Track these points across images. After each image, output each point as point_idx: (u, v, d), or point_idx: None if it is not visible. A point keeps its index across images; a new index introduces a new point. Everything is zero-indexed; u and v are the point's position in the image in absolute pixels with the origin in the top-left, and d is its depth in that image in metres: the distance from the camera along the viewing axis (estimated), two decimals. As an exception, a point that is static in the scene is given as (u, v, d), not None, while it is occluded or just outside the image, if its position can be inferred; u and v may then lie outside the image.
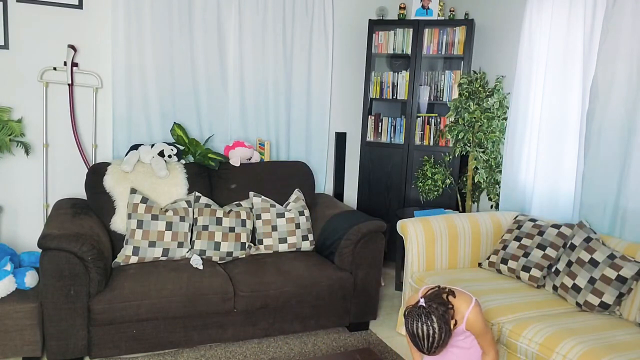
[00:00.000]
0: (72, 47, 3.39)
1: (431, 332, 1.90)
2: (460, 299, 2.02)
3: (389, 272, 4.27)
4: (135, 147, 3.42)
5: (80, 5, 3.42)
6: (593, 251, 2.68)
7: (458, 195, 4.07)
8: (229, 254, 3.14)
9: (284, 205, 3.49)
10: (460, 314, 2.01)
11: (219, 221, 3.17)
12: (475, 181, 3.88)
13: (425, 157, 4.10)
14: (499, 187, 3.74)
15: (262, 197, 3.42)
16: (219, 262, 3.12)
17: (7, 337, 2.57)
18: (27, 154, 3.37)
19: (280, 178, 3.61)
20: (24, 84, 3.35)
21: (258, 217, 3.34)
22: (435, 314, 1.91)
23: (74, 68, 3.43)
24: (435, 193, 4.00)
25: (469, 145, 3.83)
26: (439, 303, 1.95)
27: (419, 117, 4.18)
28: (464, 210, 4.05)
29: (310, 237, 3.41)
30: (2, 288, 2.59)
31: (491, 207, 3.94)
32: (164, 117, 3.68)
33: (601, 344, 2.22)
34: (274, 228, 3.33)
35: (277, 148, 4.08)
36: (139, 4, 3.50)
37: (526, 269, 2.93)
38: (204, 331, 2.84)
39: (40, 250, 2.57)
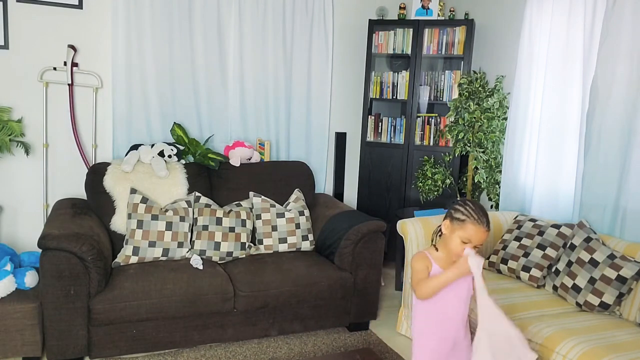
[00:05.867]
0: (72, 47, 3.39)
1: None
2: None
3: (389, 272, 4.27)
4: (135, 147, 3.42)
5: (80, 5, 3.42)
6: (593, 251, 2.67)
7: (458, 195, 4.07)
8: (229, 254, 3.14)
9: (284, 205, 3.49)
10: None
11: (219, 221, 3.17)
12: (475, 181, 3.88)
13: (425, 157, 4.10)
14: (499, 187, 3.74)
15: (262, 197, 3.42)
16: (219, 262, 3.12)
17: (7, 337, 2.57)
18: (27, 154, 3.37)
19: (280, 178, 3.61)
20: (24, 84, 3.35)
21: (258, 217, 3.34)
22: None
23: (74, 68, 3.43)
24: (435, 193, 4.00)
25: (469, 145, 3.83)
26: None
27: (419, 117, 4.18)
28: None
29: (310, 237, 3.41)
30: (2, 288, 2.59)
31: (491, 207, 3.94)
32: (164, 117, 3.67)
33: (601, 344, 2.22)
34: (274, 228, 3.33)
35: (277, 148, 4.08)
36: (139, 4, 3.50)
37: (526, 269, 2.93)
38: (204, 331, 2.84)
39: (40, 250, 2.56)
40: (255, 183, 3.52)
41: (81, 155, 3.50)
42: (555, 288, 2.80)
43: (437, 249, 2.02)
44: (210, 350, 2.91)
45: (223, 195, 3.44)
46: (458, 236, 1.88)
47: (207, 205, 3.23)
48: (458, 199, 1.93)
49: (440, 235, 2.02)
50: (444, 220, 1.99)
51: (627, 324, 2.49)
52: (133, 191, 3.10)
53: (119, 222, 3.12)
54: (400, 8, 4.22)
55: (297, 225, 3.37)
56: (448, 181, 3.98)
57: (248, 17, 3.83)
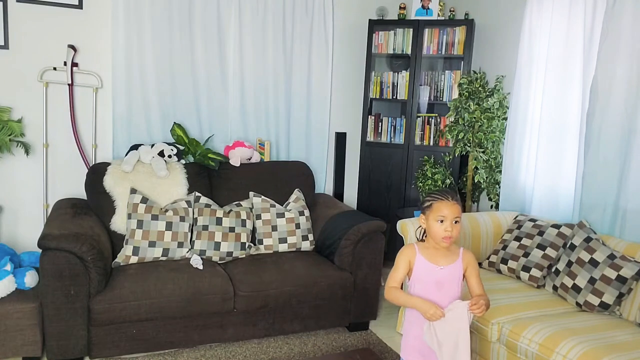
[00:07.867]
0: (72, 47, 3.39)
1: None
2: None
3: (389, 272, 4.26)
4: (135, 147, 3.42)
5: (80, 5, 3.41)
6: (593, 251, 2.67)
7: (458, 196, 4.06)
8: (229, 254, 3.14)
9: (284, 205, 3.48)
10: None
11: (219, 221, 3.17)
12: (475, 181, 3.88)
13: (425, 157, 4.10)
14: (499, 187, 3.74)
15: (262, 197, 3.42)
16: (219, 262, 3.12)
17: (7, 337, 2.57)
18: (27, 154, 3.37)
19: (280, 178, 3.61)
20: (24, 84, 3.35)
21: (258, 217, 3.34)
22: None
23: (74, 68, 3.43)
24: (435, 193, 4.00)
25: (469, 145, 3.83)
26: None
27: (419, 117, 4.18)
28: (464, 211, 4.05)
29: (310, 237, 3.41)
30: (2, 288, 2.59)
31: (491, 207, 3.94)
32: (164, 117, 3.67)
33: (601, 344, 2.22)
34: (274, 228, 3.33)
35: (277, 148, 4.08)
36: (139, 4, 3.49)
37: (526, 269, 2.93)
38: (204, 331, 2.84)
39: (40, 250, 2.56)
40: (255, 183, 3.52)
41: (81, 155, 3.50)
42: (555, 288, 2.80)
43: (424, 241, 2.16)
44: (210, 350, 2.91)
45: (223, 195, 3.44)
46: (432, 219, 2.04)
47: (207, 205, 3.23)
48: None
49: (425, 234, 2.15)
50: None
51: (627, 324, 2.49)
52: (133, 191, 3.10)
53: (119, 222, 3.12)
54: (400, 8, 4.21)
55: (297, 225, 3.37)
56: (448, 181, 3.98)
57: (248, 17, 3.82)
